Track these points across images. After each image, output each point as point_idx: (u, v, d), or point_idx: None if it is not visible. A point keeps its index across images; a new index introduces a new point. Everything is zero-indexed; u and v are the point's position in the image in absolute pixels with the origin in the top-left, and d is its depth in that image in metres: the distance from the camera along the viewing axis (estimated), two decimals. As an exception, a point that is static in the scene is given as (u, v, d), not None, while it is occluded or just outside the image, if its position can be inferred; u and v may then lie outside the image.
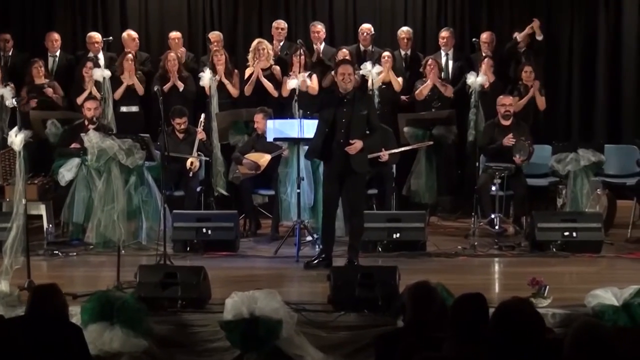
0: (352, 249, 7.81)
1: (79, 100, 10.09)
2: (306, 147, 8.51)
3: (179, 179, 9.33)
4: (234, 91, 10.26)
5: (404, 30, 10.91)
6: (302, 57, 9.31)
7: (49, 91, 10.20)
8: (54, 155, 9.10)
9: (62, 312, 4.96)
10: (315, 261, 7.82)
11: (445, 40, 10.75)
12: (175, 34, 10.91)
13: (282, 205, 8.83)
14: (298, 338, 5.92)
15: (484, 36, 10.62)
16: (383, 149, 9.27)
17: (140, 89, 10.38)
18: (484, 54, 10.42)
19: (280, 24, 10.88)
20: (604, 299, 6.05)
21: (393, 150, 9.37)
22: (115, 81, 10.31)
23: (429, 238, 8.60)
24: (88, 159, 7.71)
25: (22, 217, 6.81)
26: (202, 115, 9.68)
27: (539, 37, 10.65)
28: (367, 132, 7.73)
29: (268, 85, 10.13)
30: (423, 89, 10.22)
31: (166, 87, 10.01)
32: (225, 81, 10.17)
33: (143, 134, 8.37)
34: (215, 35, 10.71)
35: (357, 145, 7.60)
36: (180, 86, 10.26)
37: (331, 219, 7.91)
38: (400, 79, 10.40)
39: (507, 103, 9.48)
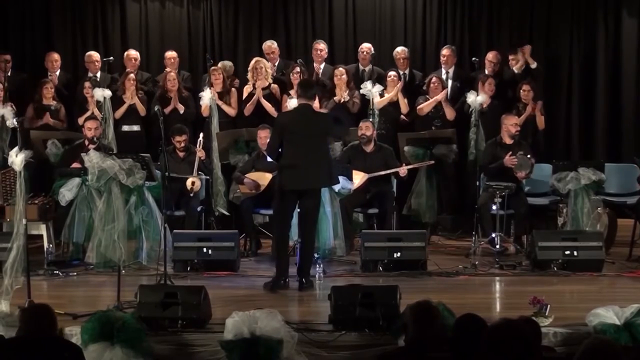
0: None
1: (80, 120, 10.12)
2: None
3: (180, 198, 9.33)
4: (230, 111, 10.28)
5: (399, 50, 10.92)
6: (300, 75, 9.34)
7: (50, 121, 10.21)
8: (54, 175, 9.10)
9: (52, 328, 4.93)
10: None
11: (445, 58, 10.76)
12: (171, 54, 10.93)
13: (282, 224, 8.80)
14: (299, 358, 5.90)
15: (490, 56, 10.59)
16: (404, 164, 9.42)
17: (142, 110, 10.41)
18: (486, 73, 10.43)
19: (271, 47, 10.87)
20: (606, 318, 6.04)
21: (408, 167, 9.46)
22: (117, 101, 10.35)
23: (430, 257, 8.57)
24: (88, 178, 7.71)
25: (23, 237, 6.80)
26: (201, 135, 9.71)
27: (533, 65, 10.59)
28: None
29: (267, 105, 10.15)
30: (425, 107, 10.25)
31: (167, 110, 10.01)
32: (220, 102, 10.19)
33: (144, 153, 8.38)
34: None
35: None
36: (181, 109, 10.28)
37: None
38: (406, 100, 10.42)
39: (512, 123, 9.42)
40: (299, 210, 7.98)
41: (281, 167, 7.80)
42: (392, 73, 10.42)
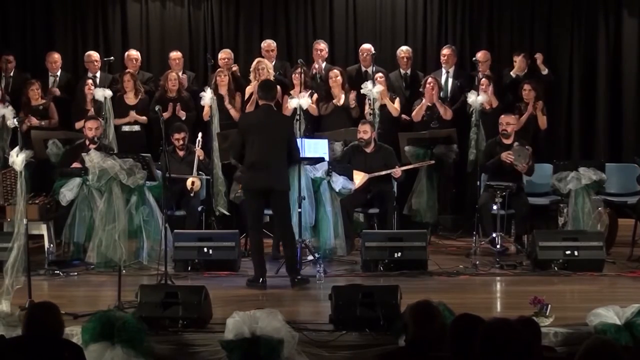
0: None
1: (77, 126, 10.11)
2: (308, 167, 8.53)
3: (180, 198, 9.34)
4: (236, 115, 10.25)
5: (404, 50, 10.92)
6: (302, 75, 9.34)
7: (35, 122, 10.16)
8: (55, 175, 9.10)
9: (58, 331, 4.93)
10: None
11: (446, 57, 10.75)
12: (175, 54, 10.93)
13: (283, 224, 8.80)
14: (299, 358, 5.90)
15: (479, 55, 10.56)
16: (397, 166, 9.38)
17: (144, 122, 10.40)
18: (480, 74, 10.41)
19: (270, 45, 10.88)
20: (606, 318, 6.03)
21: (404, 168, 9.45)
22: (117, 101, 10.33)
23: (430, 257, 8.58)
24: (89, 178, 7.73)
25: (23, 237, 6.81)
26: (200, 134, 9.71)
27: (544, 72, 10.61)
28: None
29: (269, 105, 10.13)
30: (418, 111, 10.23)
31: (166, 115, 9.86)
32: (229, 106, 10.17)
33: (144, 153, 8.37)
34: (224, 53, 10.79)
35: None
36: (183, 116, 10.24)
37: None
38: (397, 103, 10.33)
39: (504, 122, 9.47)
40: (272, 212, 8.05)
41: (245, 167, 7.79)
42: (378, 75, 10.29)
